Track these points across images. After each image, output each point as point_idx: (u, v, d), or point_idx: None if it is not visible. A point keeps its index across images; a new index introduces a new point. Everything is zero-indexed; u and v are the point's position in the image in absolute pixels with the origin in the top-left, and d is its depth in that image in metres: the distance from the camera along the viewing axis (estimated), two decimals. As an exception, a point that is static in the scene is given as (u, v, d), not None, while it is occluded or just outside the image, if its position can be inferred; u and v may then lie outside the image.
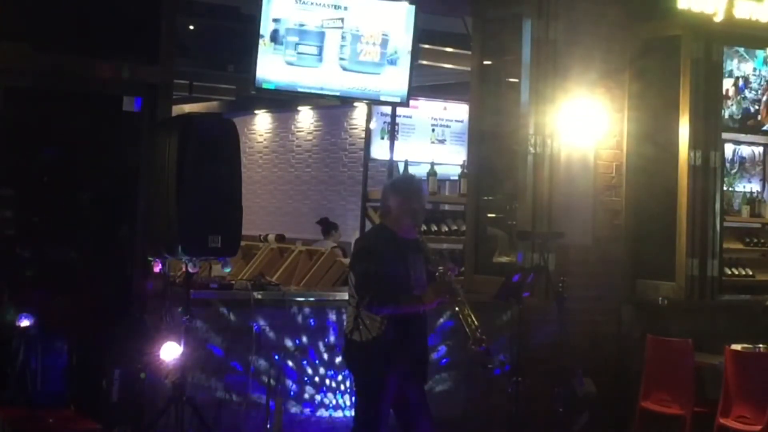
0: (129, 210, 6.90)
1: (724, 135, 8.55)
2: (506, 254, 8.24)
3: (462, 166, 9.54)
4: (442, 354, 7.56)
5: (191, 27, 9.95)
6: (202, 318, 6.61)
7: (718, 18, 8.14)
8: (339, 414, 7.16)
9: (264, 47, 7.14)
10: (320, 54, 7.36)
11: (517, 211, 8.10)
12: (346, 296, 7.42)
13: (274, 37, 7.16)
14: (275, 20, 7.15)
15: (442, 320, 7.43)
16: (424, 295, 5.49)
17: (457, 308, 5.47)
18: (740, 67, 8.74)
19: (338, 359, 7.12)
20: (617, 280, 8.31)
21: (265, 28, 7.13)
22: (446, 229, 9.30)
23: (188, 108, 11.88)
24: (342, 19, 7.40)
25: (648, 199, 8.38)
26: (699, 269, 8.08)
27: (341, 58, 7.45)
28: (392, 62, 7.64)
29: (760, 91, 8.83)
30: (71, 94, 6.82)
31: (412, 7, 7.69)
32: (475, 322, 5.44)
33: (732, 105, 8.70)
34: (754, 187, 10.35)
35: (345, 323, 5.75)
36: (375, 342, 5.46)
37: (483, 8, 8.44)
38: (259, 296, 6.99)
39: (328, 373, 7.14)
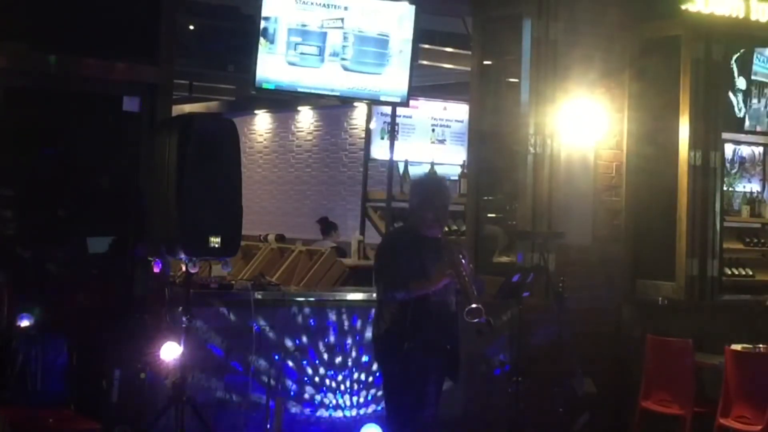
0: (129, 210, 6.89)
1: (724, 135, 8.55)
2: (506, 254, 8.24)
3: (462, 166, 9.54)
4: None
5: (191, 27, 9.96)
6: (202, 318, 6.60)
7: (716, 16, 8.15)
8: (339, 414, 7.16)
9: (263, 47, 7.15)
10: (321, 54, 7.36)
11: (517, 211, 8.11)
12: (346, 296, 7.50)
13: (265, 35, 7.16)
14: (265, 18, 7.16)
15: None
16: (431, 277, 5.60)
17: (458, 280, 5.53)
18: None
19: (338, 359, 7.13)
20: (617, 280, 8.31)
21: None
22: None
23: (188, 108, 11.87)
24: (342, 19, 7.40)
25: (648, 199, 8.38)
26: (699, 269, 8.09)
27: (342, 58, 7.45)
28: (392, 62, 7.64)
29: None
30: (71, 94, 6.81)
31: (412, 7, 7.68)
32: (474, 293, 5.49)
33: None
34: (754, 187, 10.33)
35: None
36: (387, 334, 5.67)
37: (483, 8, 8.44)
38: (259, 296, 6.98)
39: (328, 373, 7.13)
